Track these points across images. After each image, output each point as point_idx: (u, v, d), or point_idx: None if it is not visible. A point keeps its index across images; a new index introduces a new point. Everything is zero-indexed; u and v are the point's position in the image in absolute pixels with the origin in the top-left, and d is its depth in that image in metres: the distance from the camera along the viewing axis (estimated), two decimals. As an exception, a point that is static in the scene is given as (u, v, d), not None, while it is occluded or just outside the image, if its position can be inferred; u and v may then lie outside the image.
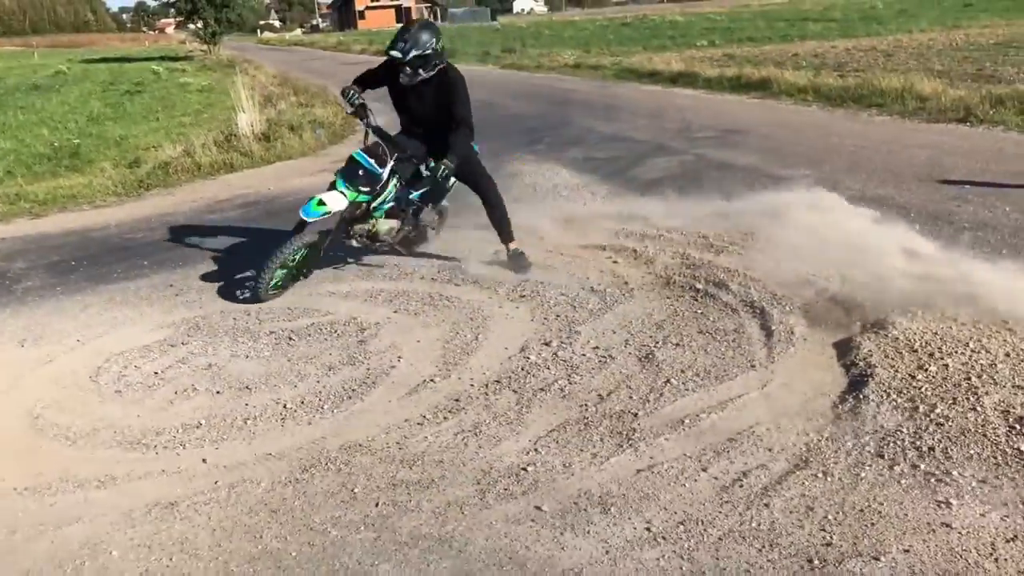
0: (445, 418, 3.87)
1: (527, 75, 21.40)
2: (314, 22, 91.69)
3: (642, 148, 10.01)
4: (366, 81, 5.70)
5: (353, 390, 4.22)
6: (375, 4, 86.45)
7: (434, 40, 5.33)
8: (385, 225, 5.70)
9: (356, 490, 3.35)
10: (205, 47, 41.23)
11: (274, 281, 5.48)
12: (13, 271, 6.67)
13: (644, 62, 20.26)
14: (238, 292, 5.68)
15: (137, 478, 3.56)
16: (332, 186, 5.39)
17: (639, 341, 4.49)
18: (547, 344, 4.55)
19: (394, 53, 5.28)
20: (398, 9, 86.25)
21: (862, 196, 6.85)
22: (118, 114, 19.78)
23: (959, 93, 10.64)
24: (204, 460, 3.66)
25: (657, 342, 4.46)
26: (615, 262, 5.86)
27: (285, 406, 4.11)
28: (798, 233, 5.77)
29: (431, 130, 5.55)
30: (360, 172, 5.39)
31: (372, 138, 5.49)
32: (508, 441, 3.62)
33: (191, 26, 40.68)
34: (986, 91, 10.50)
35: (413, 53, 5.28)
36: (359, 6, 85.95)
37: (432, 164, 5.23)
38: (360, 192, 5.39)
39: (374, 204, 5.49)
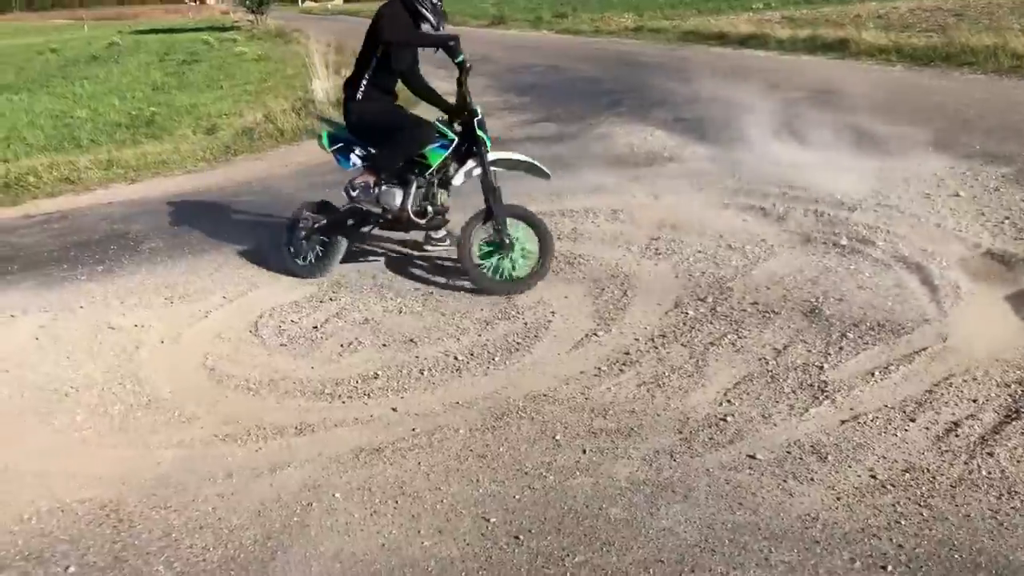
0: (621, 370, 3.87)
1: (586, 39, 21.18)
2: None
3: (727, 110, 9.86)
4: None
5: (518, 343, 4.24)
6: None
7: None
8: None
9: (557, 437, 3.37)
10: (252, 17, 41.25)
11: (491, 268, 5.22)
12: (133, 233, 6.78)
13: (706, 24, 19.92)
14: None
15: (333, 426, 3.62)
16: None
17: (798, 297, 4.46)
18: (702, 300, 4.53)
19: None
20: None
21: (987, 153, 6.70)
22: (181, 83, 19.89)
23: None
24: (394, 409, 3.71)
25: (817, 297, 4.40)
26: (744, 220, 5.78)
27: (456, 358, 4.14)
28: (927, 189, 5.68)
29: None
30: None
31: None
32: (696, 392, 3.61)
33: (238, -4, 40.60)
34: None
35: None
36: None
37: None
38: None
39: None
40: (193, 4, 72.78)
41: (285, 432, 3.61)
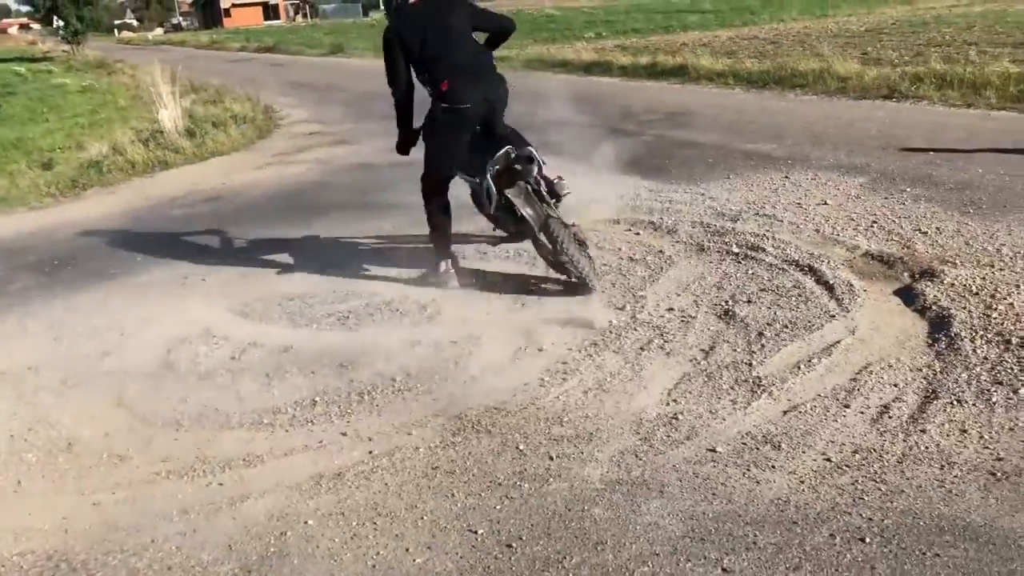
0: (564, 379, 3.98)
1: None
2: (174, 21, 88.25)
3: (594, 132, 10.24)
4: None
5: (454, 360, 4.26)
6: (241, 1, 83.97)
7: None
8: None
9: (521, 447, 3.43)
10: (67, 48, 39.21)
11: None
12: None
13: (548, 52, 20.55)
14: None
15: (282, 455, 3.54)
16: None
17: (707, 301, 4.69)
18: (620, 309, 4.69)
19: None
20: (265, 6, 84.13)
21: (840, 165, 7.29)
22: (-1, 117, 18.63)
23: (881, 72, 11.33)
24: (343, 433, 3.66)
25: (725, 300, 4.66)
26: (637, 234, 6.03)
27: (393, 379, 4.13)
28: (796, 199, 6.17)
29: None
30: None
31: None
32: (640, 395, 3.76)
33: (55, 24, 38.50)
34: (901, 71, 11.20)
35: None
36: (224, 3, 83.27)
37: None
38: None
39: None
40: (-6, 34, 68.32)
41: (233, 464, 3.49)
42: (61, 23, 38.53)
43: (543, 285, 5.16)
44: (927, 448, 3.16)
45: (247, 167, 10.30)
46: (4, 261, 6.65)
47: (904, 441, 3.22)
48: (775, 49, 17.86)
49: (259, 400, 4.04)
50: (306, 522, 3.06)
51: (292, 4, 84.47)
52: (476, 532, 2.91)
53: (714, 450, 3.27)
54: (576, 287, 4.95)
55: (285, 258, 6.06)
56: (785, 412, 3.51)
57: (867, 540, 2.70)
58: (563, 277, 5.16)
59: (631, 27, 30.61)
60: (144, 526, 3.12)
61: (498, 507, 3.04)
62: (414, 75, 4.98)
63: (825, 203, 6.30)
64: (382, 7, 5.19)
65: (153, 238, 7.03)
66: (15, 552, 3.02)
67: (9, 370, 4.53)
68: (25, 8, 41.33)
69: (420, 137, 5.21)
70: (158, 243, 6.86)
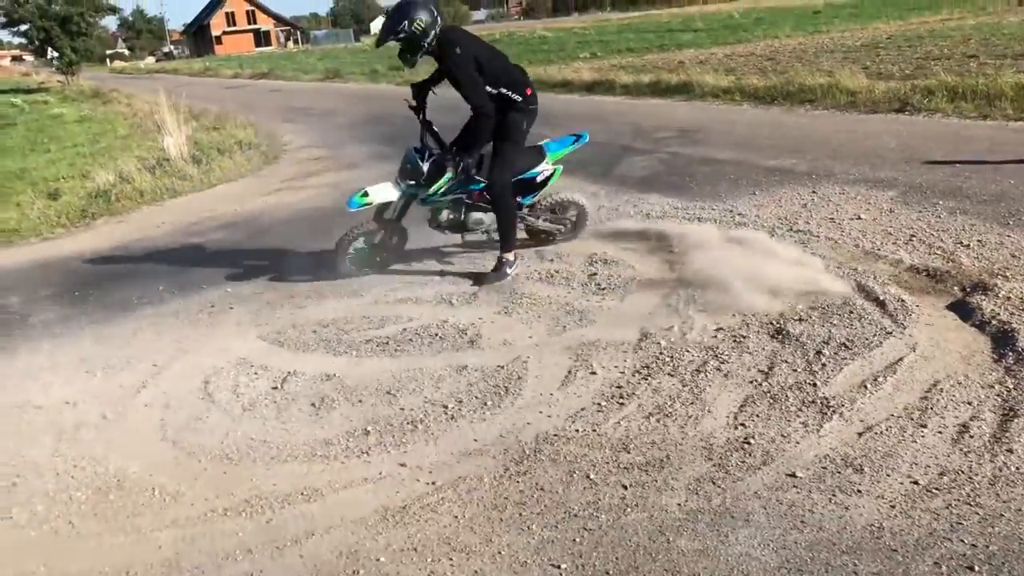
0: (621, 404, 3.87)
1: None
2: (165, 49, 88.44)
3: (609, 150, 10.20)
4: (431, 77, 5.75)
5: (504, 387, 4.16)
6: (232, 29, 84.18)
7: (412, 11, 5.12)
8: (472, 216, 5.94)
9: (591, 476, 3.31)
10: (62, 78, 39.20)
11: (355, 259, 6.00)
12: (12, 305, 6.21)
13: (546, 73, 20.54)
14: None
15: (341, 488, 3.42)
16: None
17: (757, 320, 4.59)
18: (667, 329, 4.58)
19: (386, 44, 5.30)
20: (256, 33, 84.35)
21: (866, 179, 7.22)
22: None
23: (890, 85, 11.32)
24: (402, 464, 3.53)
25: (775, 319, 4.56)
26: (672, 252, 5.94)
27: (444, 406, 4.00)
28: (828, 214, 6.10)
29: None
30: (408, 166, 5.65)
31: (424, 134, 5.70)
32: (705, 419, 3.65)
33: (49, 56, 38.48)
34: (911, 84, 11.18)
35: (390, 40, 5.20)
36: (215, 31, 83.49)
37: (455, 161, 5.52)
38: (408, 185, 5.72)
39: (427, 195, 5.74)
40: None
41: (291, 500, 3.37)
42: (55, 54, 38.48)
43: (579, 307, 5.10)
44: (1019, 469, 3.05)
45: (257, 193, 10.20)
46: (25, 293, 6.53)
47: (991, 462, 3.12)
48: (773, 65, 17.88)
49: (309, 431, 3.91)
50: (378, 559, 2.94)
51: (283, 31, 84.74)
52: (560, 567, 2.80)
53: (794, 475, 3.17)
54: (619, 309, 4.85)
55: (311, 284, 5.95)
56: (860, 434, 3.41)
57: (976, 568, 2.59)
58: (599, 300, 5.15)
59: (625, 46, 30.71)
60: (208, 567, 3.00)
61: (577, 540, 2.92)
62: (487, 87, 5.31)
63: (859, 217, 6.23)
64: (388, 38, 5.36)
65: (173, 266, 6.91)
66: (77, 598, 2.86)
67: (46, 405, 4.41)
68: (17, 40, 41.15)
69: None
70: (179, 271, 6.74)
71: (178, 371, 4.72)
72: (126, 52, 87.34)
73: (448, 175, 5.62)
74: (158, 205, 10.40)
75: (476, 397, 4.07)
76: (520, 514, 3.11)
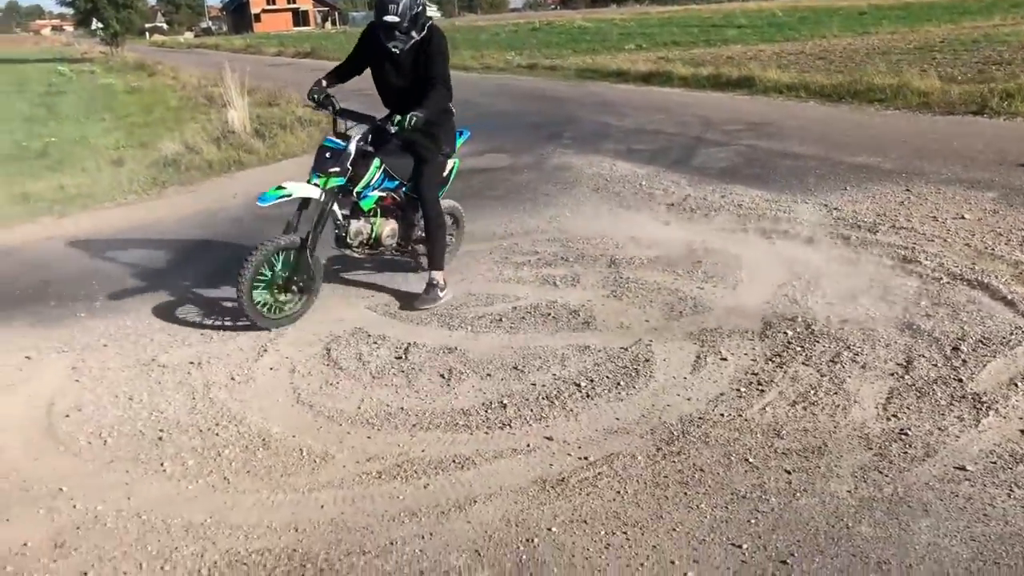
0: (761, 390, 3.83)
1: (481, 75, 21.31)
2: (204, 25, 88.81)
3: (681, 140, 10.15)
4: (341, 73, 5.27)
5: (634, 368, 4.12)
6: (271, 7, 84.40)
7: None
8: (387, 227, 5.22)
9: (750, 460, 3.28)
10: (106, 49, 39.43)
11: (261, 301, 4.84)
12: (109, 269, 6.27)
13: (596, 62, 20.46)
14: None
15: (492, 458, 3.42)
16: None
17: (882, 313, 4.56)
18: (791, 320, 4.56)
19: (389, 18, 4.75)
20: (295, 12, 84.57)
21: (960, 180, 7.14)
22: (54, 115, 18.74)
23: (967, 88, 11.18)
24: (548, 438, 3.52)
25: (901, 313, 4.52)
26: (773, 243, 5.90)
27: (576, 384, 3.99)
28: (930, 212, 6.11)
29: (407, 100, 4.92)
30: (327, 155, 4.82)
31: (340, 123, 5.02)
32: (853, 409, 3.62)
33: (93, 26, 38.70)
34: (989, 87, 11.03)
35: (410, 15, 4.80)
36: (255, 8, 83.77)
37: (397, 118, 4.66)
38: (331, 175, 4.80)
39: (357, 189, 5.00)
40: (28, 35, 69.04)
41: (445, 467, 3.37)
42: (100, 25, 38.68)
43: (690, 294, 5.15)
44: None
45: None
46: (117, 255, 6.55)
47: None
48: (825, 65, 17.72)
49: (444, 401, 3.92)
50: (549, 529, 2.93)
51: (321, 11, 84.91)
52: (740, 547, 2.77)
53: (963, 468, 3.14)
54: (733, 297, 4.93)
55: (404, 260, 5.89)
56: (1023, 431, 3.34)
57: None
58: (711, 288, 5.23)
59: (670, 39, 30.53)
60: (375, 528, 3.00)
61: (752, 521, 2.90)
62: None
63: (962, 217, 6.16)
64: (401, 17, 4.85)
65: (260, 237, 6.87)
66: (252, 549, 2.88)
67: (171, 364, 4.43)
68: (59, 9, 41.41)
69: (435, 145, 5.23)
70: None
71: (295, 337, 4.72)
72: (164, 26, 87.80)
73: (376, 163, 4.99)
74: (227, 176, 10.43)
75: (607, 377, 4.05)
76: (685, 493, 3.09)
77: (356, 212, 5.06)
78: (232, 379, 4.23)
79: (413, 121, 4.64)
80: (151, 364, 4.41)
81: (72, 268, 6.18)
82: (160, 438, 3.67)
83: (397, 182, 5.18)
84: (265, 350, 4.56)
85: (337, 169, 4.77)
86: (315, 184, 4.78)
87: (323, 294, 5.21)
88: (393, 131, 4.75)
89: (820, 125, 10.56)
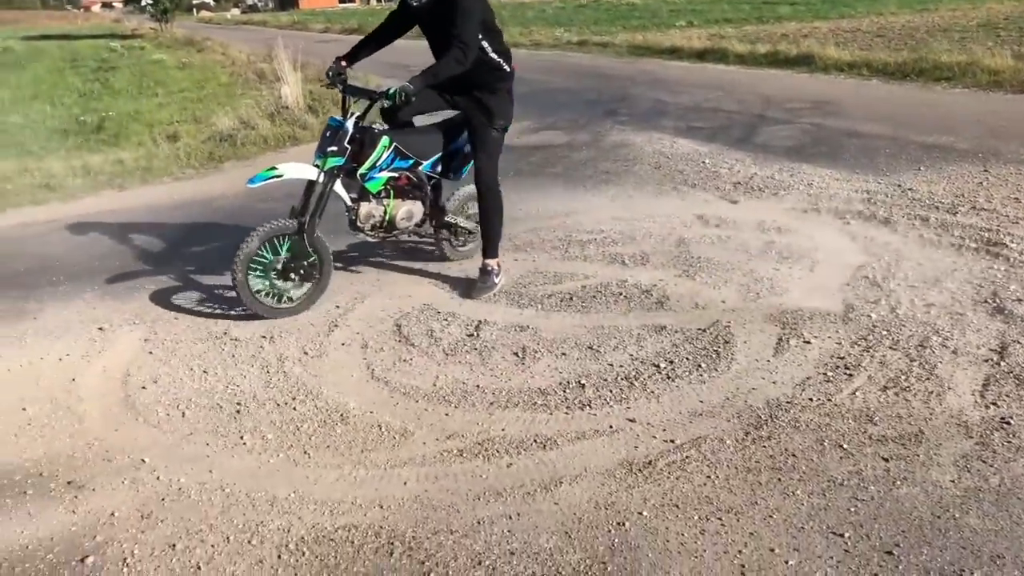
0: (849, 375, 3.71)
1: (531, 52, 21.10)
2: (250, 2, 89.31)
3: (741, 118, 9.93)
4: (377, 38, 4.93)
5: (714, 350, 4.01)
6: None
7: None
8: (402, 209, 4.88)
9: (844, 446, 3.16)
10: (155, 25, 39.77)
11: (257, 288, 4.60)
12: (178, 239, 6.24)
13: (647, 40, 20.15)
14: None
15: (575, 439, 3.34)
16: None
17: (969, 297, 4.40)
18: (874, 303, 4.41)
19: None
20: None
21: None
22: (108, 90, 18.92)
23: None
24: (631, 420, 3.42)
25: (989, 298, 4.35)
26: (848, 224, 5.73)
27: (656, 365, 3.89)
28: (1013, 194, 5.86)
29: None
30: (327, 133, 4.54)
31: (351, 102, 4.73)
32: (948, 396, 3.48)
33: (143, 2, 39.04)
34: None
35: None
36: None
37: (390, 90, 4.28)
38: (328, 155, 4.49)
39: (361, 171, 4.64)
40: (79, 11, 69.99)
41: (526, 446, 3.30)
42: (150, 1, 39.02)
43: (765, 275, 5.04)
44: None
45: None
46: (181, 229, 6.56)
47: None
48: (885, 42, 17.28)
49: (520, 380, 3.85)
50: (640, 513, 2.84)
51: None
52: (842, 535, 2.67)
53: (1074, 458, 2.97)
54: (811, 279, 4.80)
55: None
56: None
57: None
58: (787, 269, 5.10)
59: (721, 16, 30.01)
60: (460, 506, 2.95)
61: (852, 509, 2.80)
62: (486, 45, 4.66)
63: (1049, 200, 5.91)
64: None
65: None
66: (338, 525, 2.84)
67: (243, 338, 4.40)
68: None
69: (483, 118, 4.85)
70: (330, 217, 6.67)
71: (364, 313, 4.68)
72: (211, 2, 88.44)
73: (384, 141, 4.64)
74: (282, 152, 10.43)
75: (687, 359, 3.95)
76: (778, 479, 2.99)
77: (366, 194, 4.78)
78: (305, 353, 4.19)
79: (403, 95, 4.23)
80: (223, 337, 4.38)
81: (138, 241, 6.20)
82: (238, 411, 3.64)
83: (412, 161, 4.81)
84: (336, 325, 4.52)
85: (335, 148, 4.47)
86: (316, 165, 4.50)
87: (388, 271, 5.15)
88: (386, 105, 4.52)
89: (886, 104, 10.28)
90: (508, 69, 4.77)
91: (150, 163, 10.10)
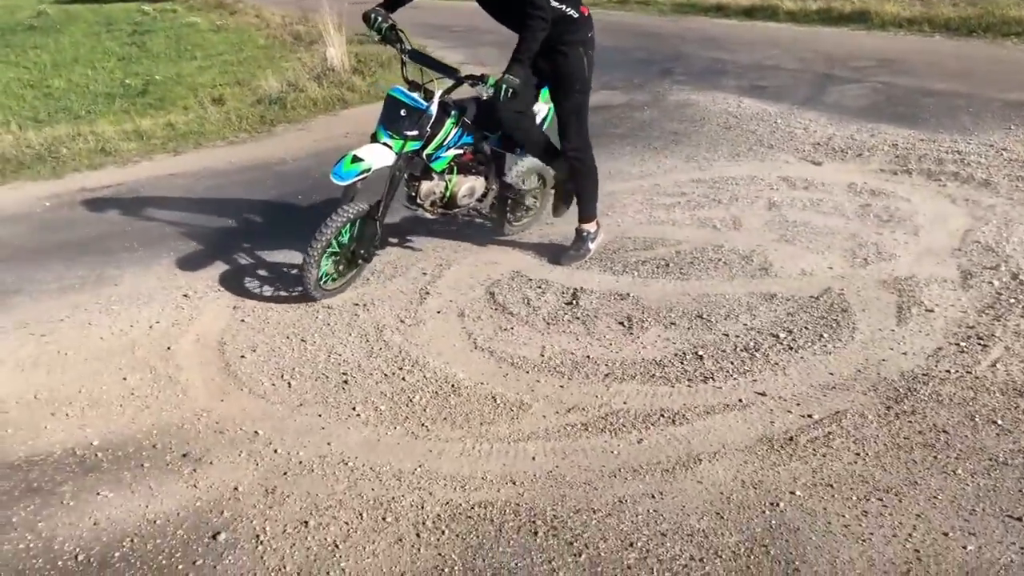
0: (984, 345, 3.58)
1: (572, 13, 20.61)
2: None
3: (806, 77, 9.62)
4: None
5: (833, 319, 3.85)
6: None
7: None
8: (464, 185, 4.54)
9: (998, 422, 3.03)
10: (186, -13, 39.39)
11: (324, 271, 4.31)
12: (248, 209, 6.08)
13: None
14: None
15: (704, 413, 3.20)
16: (373, 139, 4.17)
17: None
18: (993, 269, 4.18)
19: None
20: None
21: None
22: (146, 54, 18.77)
23: None
24: (761, 393, 3.25)
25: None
26: (944, 185, 5.48)
27: (775, 335, 3.71)
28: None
29: (516, 22, 4.10)
30: (402, 112, 4.10)
31: (412, 68, 4.30)
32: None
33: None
34: None
35: None
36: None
37: (490, 81, 3.93)
38: (407, 138, 4.12)
39: (428, 151, 4.27)
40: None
41: (653, 421, 3.14)
42: (181, -38, 38.67)
43: (869, 240, 4.84)
44: None
45: (434, 107, 9.91)
46: (245, 192, 6.42)
47: None
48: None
49: (631, 350, 3.69)
50: (792, 492, 2.67)
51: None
52: (1020, 520, 2.48)
53: None
54: (918, 243, 4.62)
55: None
56: None
57: None
58: (890, 234, 4.91)
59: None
60: (597, 484, 2.81)
61: (1020, 490, 2.59)
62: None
63: None
64: None
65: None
66: (473, 502, 2.70)
67: (335, 306, 4.27)
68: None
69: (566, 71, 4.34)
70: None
71: (453, 280, 4.54)
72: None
73: (451, 119, 4.27)
74: (332, 115, 10.26)
75: (806, 328, 3.77)
76: (934, 456, 2.82)
77: (427, 172, 4.42)
78: (402, 322, 4.06)
79: (509, 90, 3.88)
80: (315, 305, 4.24)
81: (204, 206, 6.08)
82: (345, 382, 3.51)
83: (474, 135, 4.47)
84: (427, 293, 4.38)
85: (415, 133, 4.10)
86: (385, 144, 4.10)
87: (468, 237, 5.05)
88: (485, 97, 4.05)
89: (955, 60, 9.90)
90: (575, 15, 4.22)
91: (202, 127, 9.98)
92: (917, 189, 5.48)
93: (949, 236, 4.67)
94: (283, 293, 4.42)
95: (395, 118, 4.09)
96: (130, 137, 9.26)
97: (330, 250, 4.23)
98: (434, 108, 4.10)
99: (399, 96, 4.13)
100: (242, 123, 10.01)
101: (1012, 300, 3.89)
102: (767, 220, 5.10)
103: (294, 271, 4.63)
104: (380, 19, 4.19)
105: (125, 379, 3.61)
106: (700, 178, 6.07)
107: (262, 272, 4.70)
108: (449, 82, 4.16)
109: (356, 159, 4.02)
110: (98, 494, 2.87)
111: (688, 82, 9.79)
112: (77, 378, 3.65)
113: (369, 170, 4.07)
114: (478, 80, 3.98)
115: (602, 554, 2.46)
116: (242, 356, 3.78)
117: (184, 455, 3.05)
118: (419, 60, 4.21)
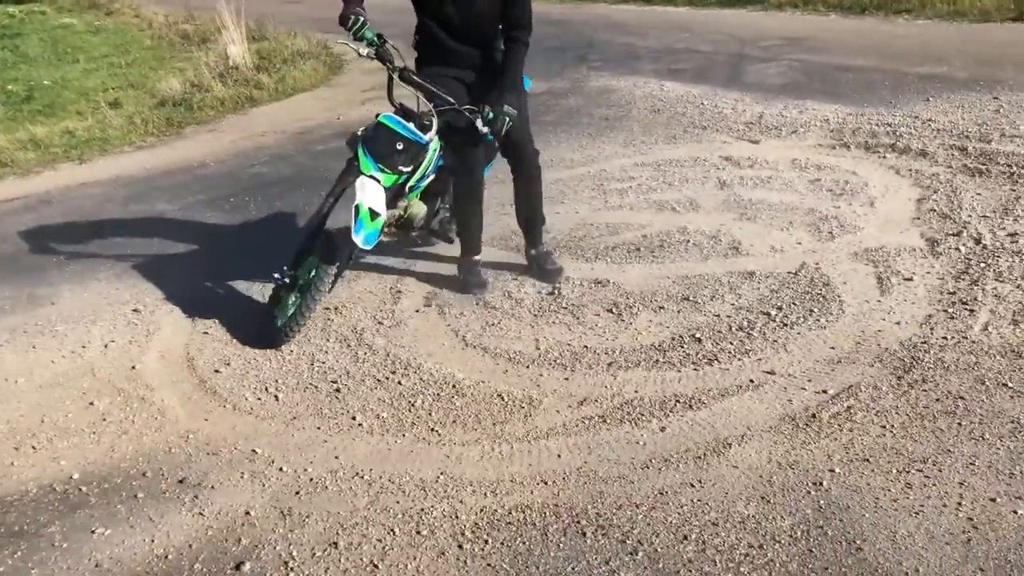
0: (972, 311, 3.66)
1: None
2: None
3: (720, 58, 9.78)
4: None
5: (819, 295, 3.88)
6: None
7: None
8: (420, 208, 4.26)
9: (1009, 384, 3.06)
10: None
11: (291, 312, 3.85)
12: (175, 215, 5.77)
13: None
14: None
15: (719, 396, 3.16)
16: (352, 163, 3.82)
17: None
18: (956, 235, 4.30)
19: None
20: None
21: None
22: (21, 59, 17.76)
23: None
24: (770, 372, 3.23)
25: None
26: (884, 157, 5.62)
27: (766, 313, 3.72)
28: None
29: (479, 39, 3.94)
30: (399, 145, 3.74)
31: (398, 89, 3.90)
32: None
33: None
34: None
35: None
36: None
37: (490, 114, 3.68)
38: (401, 173, 3.79)
39: (411, 183, 3.95)
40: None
41: (671, 408, 3.07)
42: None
43: (827, 213, 4.91)
44: None
45: (346, 103, 9.69)
46: (166, 197, 6.09)
47: None
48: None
49: (627, 337, 3.62)
50: (831, 470, 2.65)
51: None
52: (1062, 488, 2.51)
53: None
54: (876, 213, 4.72)
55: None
56: None
57: None
58: (846, 206, 5.00)
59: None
60: (629, 476, 2.71)
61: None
62: None
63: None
64: None
65: (322, 172, 6.37)
66: (509, 507, 2.57)
67: (330, 304, 4.04)
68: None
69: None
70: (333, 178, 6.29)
71: (422, 276, 4.37)
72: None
73: (435, 145, 3.92)
74: (242, 114, 9.90)
75: (795, 304, 3.77)
76: (958, 423, 2.84)
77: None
78: (380, 323, 3.89)
79: (509, 122, 3.69)
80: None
81: (129, 214, 5.73)
82: (337, 390, 3.33)
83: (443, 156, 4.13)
84: (399, 292, 4.23)
85: (410, 168, 3.78)
86: (373, 177, 3.74)
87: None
88: (484, 131, 3.72)
89: (858, 37, 10.22)
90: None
91: (104, 132, 9.46)
92: (860, 162, 5.58)
93: (904, 206, 4.75)
94: (240, 301, 4.15)
95: (389, 151, 3.71)
96: (26, 146, 8.72)
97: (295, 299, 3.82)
98: (433, 143, 3.81)
99: (394, 127, 3.74)
100: (148, 127, 9.54)
101: (983, 264, 3.96)
102: (723, 200, 5.10)
103: (243, 279, 4.36)
104: (363, 24, 3.67)
105: (92, 404, 3.32)
106: (643, 162, 6.04)
107: (212, 280, 4.43)
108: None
109: (374, 215, 3.62)
110: (92, 532, 2.61)
111: (605, 68, 9.79)
112: (35, 407, 3.34)
113: (394, 227, 4.12)
114: (476, 112, 3.69)
115: (658, 550, 2.37)
116: (216, 371, 3.53)
117: (180, 481, 2.81)
118: (411, 83, 3.79)
